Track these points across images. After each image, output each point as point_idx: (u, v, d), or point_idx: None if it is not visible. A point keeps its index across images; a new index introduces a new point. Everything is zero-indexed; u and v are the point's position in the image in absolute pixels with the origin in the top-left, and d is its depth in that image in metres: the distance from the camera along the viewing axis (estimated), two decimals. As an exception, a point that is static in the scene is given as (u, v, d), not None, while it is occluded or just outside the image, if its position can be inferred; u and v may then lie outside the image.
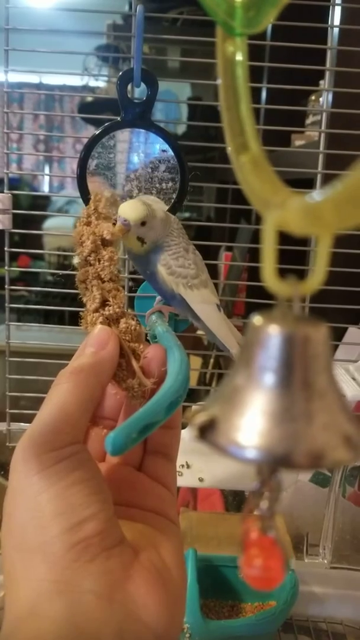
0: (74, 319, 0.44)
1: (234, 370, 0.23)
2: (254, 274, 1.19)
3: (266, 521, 0.22)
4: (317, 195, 0.19)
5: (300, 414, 0.20)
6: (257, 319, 0.22)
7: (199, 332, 0.60)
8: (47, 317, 2.54)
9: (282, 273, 0.22)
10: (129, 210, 0.50)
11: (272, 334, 0.21)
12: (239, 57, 0.23)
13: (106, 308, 0.40)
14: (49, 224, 3.18)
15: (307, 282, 0.21)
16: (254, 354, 0.22)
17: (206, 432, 0.21)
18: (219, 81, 0.23)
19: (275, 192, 0.21)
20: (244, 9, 0.22)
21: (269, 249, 0.20)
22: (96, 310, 0.40)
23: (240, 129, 0.22)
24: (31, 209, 2.97)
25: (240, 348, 0.23)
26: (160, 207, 0.53)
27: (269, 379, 0.21)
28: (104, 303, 0.40)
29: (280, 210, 0.20)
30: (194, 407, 0.69)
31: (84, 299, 0.41)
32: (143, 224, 0.50)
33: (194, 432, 0.21)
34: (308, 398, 0.21)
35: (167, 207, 0.57)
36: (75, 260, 0.42)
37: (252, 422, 0.21)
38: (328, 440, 0.20)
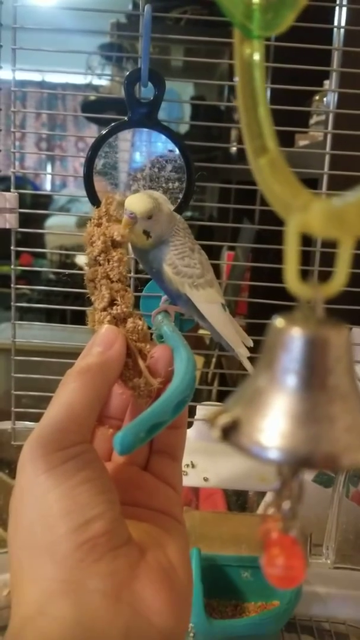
0: (76, 318, 0.44)
1: (255, 371, 0.23)
2: (257, 273, 1.19)
3: (287, 521, 0.22)
4: (340, 199, 0.19)
5: (322, 416, 0.21)
6: (279, 321, 0.22)
7: (201, 332, 0.60)
8: (49, 316, 2.54)
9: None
10: (136, 203, 0.50)
11: (294, 337, 0.21)
12: (257, 59, 0.23)
13: (114, 307, 0.40)
14: (50, 222, 3.17)
15: (328, 284, 0.21)
16: (276, 356, 0.22)
17: (229, 433, 0.21)
18: (229, 82, 0.23)
19: (296, 195, 0.21)
20: (261, 12, 0.22)
21: (291, 252, 0.20)
22: (104, 309, 0.40)
23: (258, 131, 0.22)
24: (33, 207, 2.97)
25: (261, 349, 0.23)
26: (166, 203, 0.53)
27: (292, 381, 0.21)
28: (112, 302, 0.40)
29: (303, 214, 0.20)
30: (205, 408, 0.70)
31: (92, 298, 0.41)
32: (149, 217, 0.50)
33: (216, 434, 0.21)
34: (330, 400, 0.21)
35: (173, 207, 0.57)
36: (81, 259, 0.43)
37: (274, 424, 0.21)
38: (351, 442, 0.20)
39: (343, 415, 0.21)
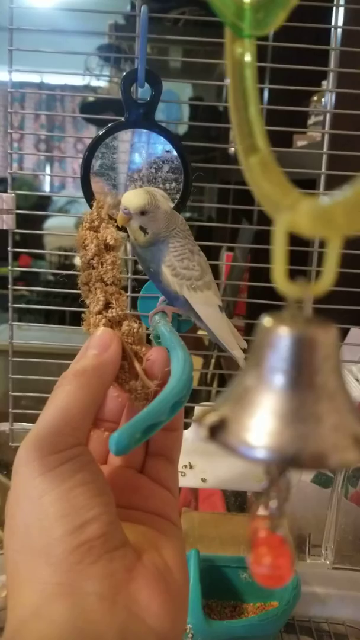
0: (75, 319, 0.44)
1: (244, 370, 0.23)
2: (256, 274, 1.19)
3: (275, 520, 0.22)
4: (327, 198, 0.19)
5: (310, 415, 0.21)
6: (267, 320, 0.22)
7: (200, 332, 0.60)
8: (48, 317, 2.54)
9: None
10: (131, 199, 0.50)
11: (282, 336, 0.21)
12: (248, 58, 0.23)
13: (109, 310, 0.40)
14: (49, 223, 3.18)
15: (316, 283, 0.21)
16: (264, 355, 0.22)
17: (216, 432, 0.21)
18: (227, 82, 0.23)
19: (285, 194, 0.21)
20: (253, 11, 0.22)
21: (279, 251, 0.20)
22: (99, 312, 0.40)
23: (249, 131, 0.22)
24: (32, 208, 2.97)
25: (250, 349, 0.23)
26: (166, 200, 0.53)
27: (279, 380, 0.21)
28: (106, 305, 0.40)
29: (291, 213, 0.20)
30: (200, 407, 0.70)
31: (87, 301, 0.41)
32: (144, 213, 0.50)
33: (204, 433, 0.21)
34: (318, 399, 0.21)
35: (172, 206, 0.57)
36: (78, 262, 0.43)
37: (262, 423, 0.21)
38: (338, 441, 0.20)
39: (330, 414, 0.21)
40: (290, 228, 0.20)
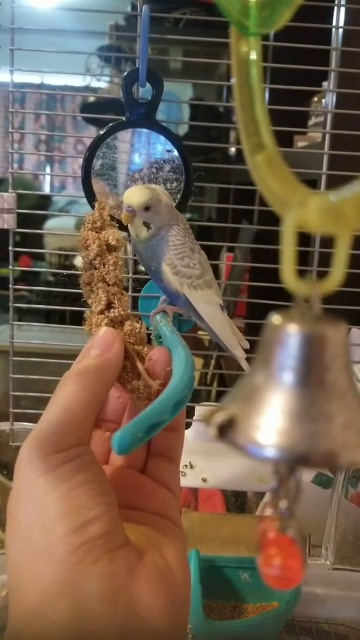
0: (75, 319, 0.44)
1: (252, 369, 0.22)
2: (256, 274, 1.19)
3: (285, 521, 0.22)
4: (336, 194, 0.19)
5: (320, 413, 0.20)
6: (276, 318, 0.22)
7: (200, 333, 0.60)
8: (48, 317, 2.54)
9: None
10: (133, 196, 0.50)
11: (291, 333, 0.21)
12: (253, 56, 0.22)
13: (111, 310, 0.40)
14: (50, 224, 3.18)
15: (325, 281, 0.21)
16: (273, 353, 0.22)
17: (225, 431, 0.21)
18: (232, 81, 0.22)
19: (293, 192, 0.21)
20: (258, 9, 0.22)
21: (288, 248, 0.20)
22: (101, 312, 0.40)
23: (255, 129, 0.22)
24: (32, 209, 2.96)
25: (258, 347, 0.23)
26: (166, 195, 0.53)
27: (288, 378, 0.21)
28: (109, 305, 0.40)
29: (300, 210, 0.20)
30: (200, 407, 0.70)
31: (89, 301, 0.41)
32: (148, 208, 0.50)
33: (213, 432, 0.21)
34: (328, 397, 0.21)
35: (173, 204, 0.57)
36: (80, 261, 0.43)
37: (271, 421, 0.21)
38: (348, 439, 0.20)
39: (341, 413, 0.20)
40: (299, 225, 0.20)
